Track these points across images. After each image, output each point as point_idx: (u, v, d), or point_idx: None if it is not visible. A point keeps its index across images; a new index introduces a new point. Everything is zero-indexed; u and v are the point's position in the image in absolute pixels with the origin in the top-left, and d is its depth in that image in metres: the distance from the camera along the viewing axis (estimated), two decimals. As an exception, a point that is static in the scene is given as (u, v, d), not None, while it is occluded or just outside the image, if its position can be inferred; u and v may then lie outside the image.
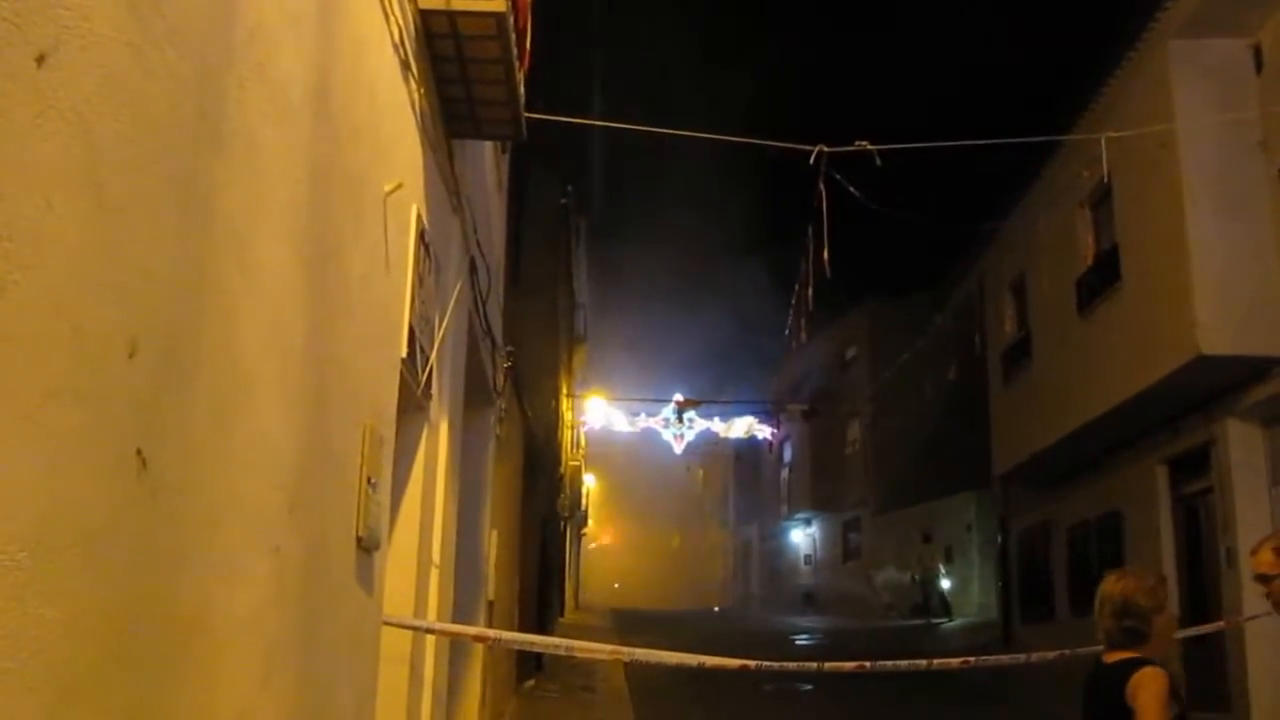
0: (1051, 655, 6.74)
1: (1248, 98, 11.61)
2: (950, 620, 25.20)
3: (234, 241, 2.87)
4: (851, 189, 8.43)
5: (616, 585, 52.50)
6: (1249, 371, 11.53)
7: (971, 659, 6.19)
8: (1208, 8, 11.48)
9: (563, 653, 5.72)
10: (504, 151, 9.45)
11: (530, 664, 13.81)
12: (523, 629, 12.28)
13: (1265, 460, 12.09)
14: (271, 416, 3.22)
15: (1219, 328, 11.33)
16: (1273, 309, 11.14)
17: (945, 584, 26.93)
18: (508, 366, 9.95)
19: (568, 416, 21.59)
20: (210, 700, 2.77)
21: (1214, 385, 11.98)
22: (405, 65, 4.97)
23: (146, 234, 2.30)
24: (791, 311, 11.77)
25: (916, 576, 28.78)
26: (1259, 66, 11.62)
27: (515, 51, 5.64)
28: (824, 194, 8.48)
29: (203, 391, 2.66)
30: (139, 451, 2.25)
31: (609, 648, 5.39)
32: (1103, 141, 9.74)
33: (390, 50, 4.72)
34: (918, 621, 26.69)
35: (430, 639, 6.02)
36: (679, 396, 32.72)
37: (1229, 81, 11.73)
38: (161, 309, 2.39)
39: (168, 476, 2.41)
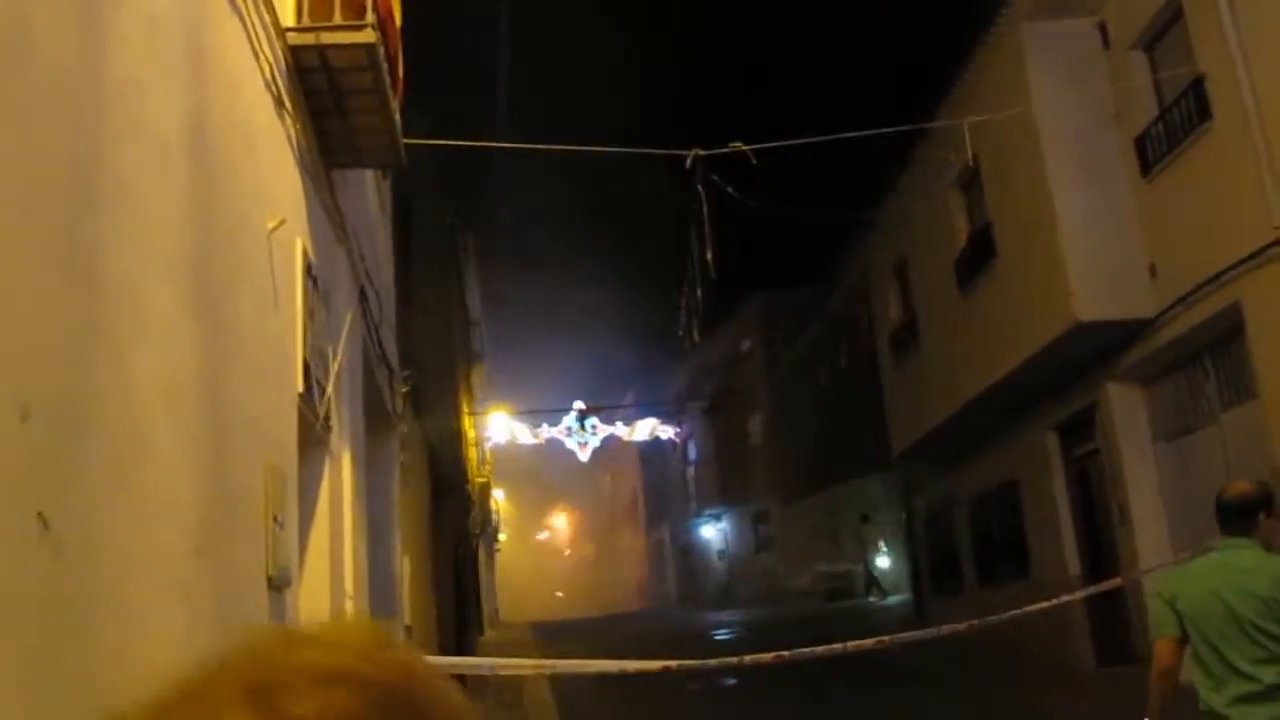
0: (962, 627, 6.97)
1: (1098, 73, 12.09)
2: (884, 599, 25.56)
3: (122, 294, 2.88)
4: (730, 189, 8.60)
5: (560, 594, 52.35)
6: (1123, 335, 11.99)
7: (885, 638, 6.37)
8: (1054, -10, 11.95)
9: (487, 672, 5.76)
10: (385, 176, 9.42)
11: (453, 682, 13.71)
12: (442, 651, 12.22)
13: (1146, 418, 12.58)
14: (172, 464, 3.22)
15: (1092, 295, 11.76)
16: (1138, 273, 11.60)
17: (884, 563, 27.15)
18: (406, 391, 9.92)
19: (471, 434, 21.49)
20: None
21: (1092, 350, 12.42)
22: (279, 101, 4.97)
23: (30, 295, 2.31)
24: (682, 312, 11.93)
25: (853, 563, 28.85)
26: (1106, 42, 12.11)
27: (389, 80, 5.67)
28: (704, 196, 8.64)
29: (101, 447, 2.67)
30: (40, 514, 2.25)
31: (532, 663, 5.45)
32: (965, 127, 10.07)
33: (262, 87, 4.72)
34: (847, 603, 27.08)
35: (350, 671, 5.99)
36: (580, 405, 32.80)
37: (1080, 59, 12.19)
38: (53, 369, 2.40)
39: (71, 536, 2.41)
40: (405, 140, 6.42)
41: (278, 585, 4.44)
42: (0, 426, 2.11)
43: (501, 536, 39.67)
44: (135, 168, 3.03)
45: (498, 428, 28.86)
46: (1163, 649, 4.68)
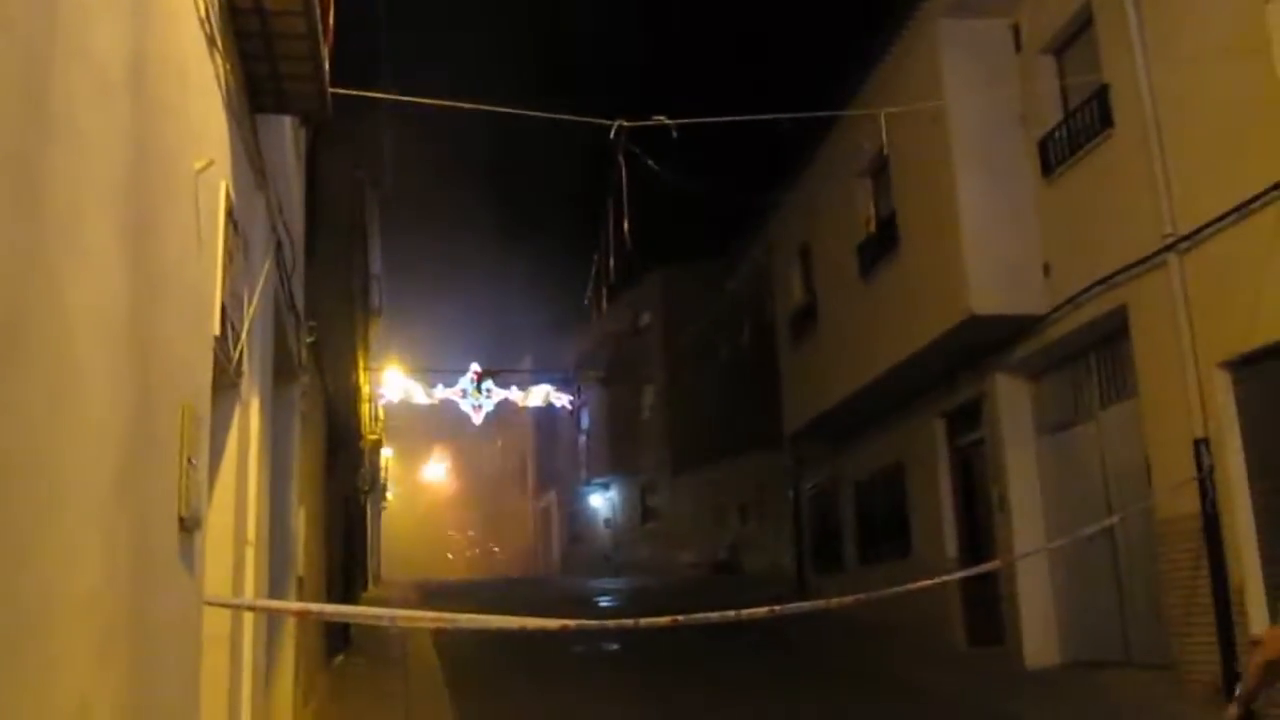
0: (849, 600, 7.22)
1: (1009, 74, 12.44)
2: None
3: (62, 225, 2.88)
4: (650, 162, 8.70)
5: (450, 555, 52.13)
6: (1014, 329, 12.42)
7: (777, 607, 6.57)
8: (972, -10, 12.23)
9: (385, 623, 5.81)
10: (302, 125, 9.31)
11: (338, 639, 13.69)
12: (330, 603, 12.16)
13: (1030, 411, 13.06)
14: (101, 397, 3.23)
15: (987, 289, 12.15)
16: (1033, 271, 12.02)
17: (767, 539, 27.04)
18: (310, 342, 9.84)
19: (365, 390, 21.31)
20: (51, 685, 2.78)
21: (984, 343, 12.84)
22: (211, 40, 4.92)
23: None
24: (591, 282, 12.02)
25: (738, 538, 28.99)
26: (1018, 45, 12.47)
27: (321, 26, 5.64)
28: (624, 167, 8.73)
29: (39, 376, 2.68)
30: (-16, 437, 2.27)
31: (432, 615, 5.52)
32: (881, 117, 10.30)
33: (197, 25, 4.67)
34: (729, 577, 27.47)
35: (249, 618, 6.00)
36: (476, 367, 32.70)
37: (992, 59, 12.53)
38: (-2, 294, 2.40)
39: (10, 462, 2.43)
40: (331, 89, 6.38)
41: (188, 527, 4.43)
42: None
43: (389, 495, 39.41)
44: (80, 98, 3.02)
45: (392, 385, 28.65)
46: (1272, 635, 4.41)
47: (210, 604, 5.03)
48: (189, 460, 4.41)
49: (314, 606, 7.12)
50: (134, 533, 3.64)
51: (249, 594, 6.06)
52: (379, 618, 5.60)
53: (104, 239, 3.26)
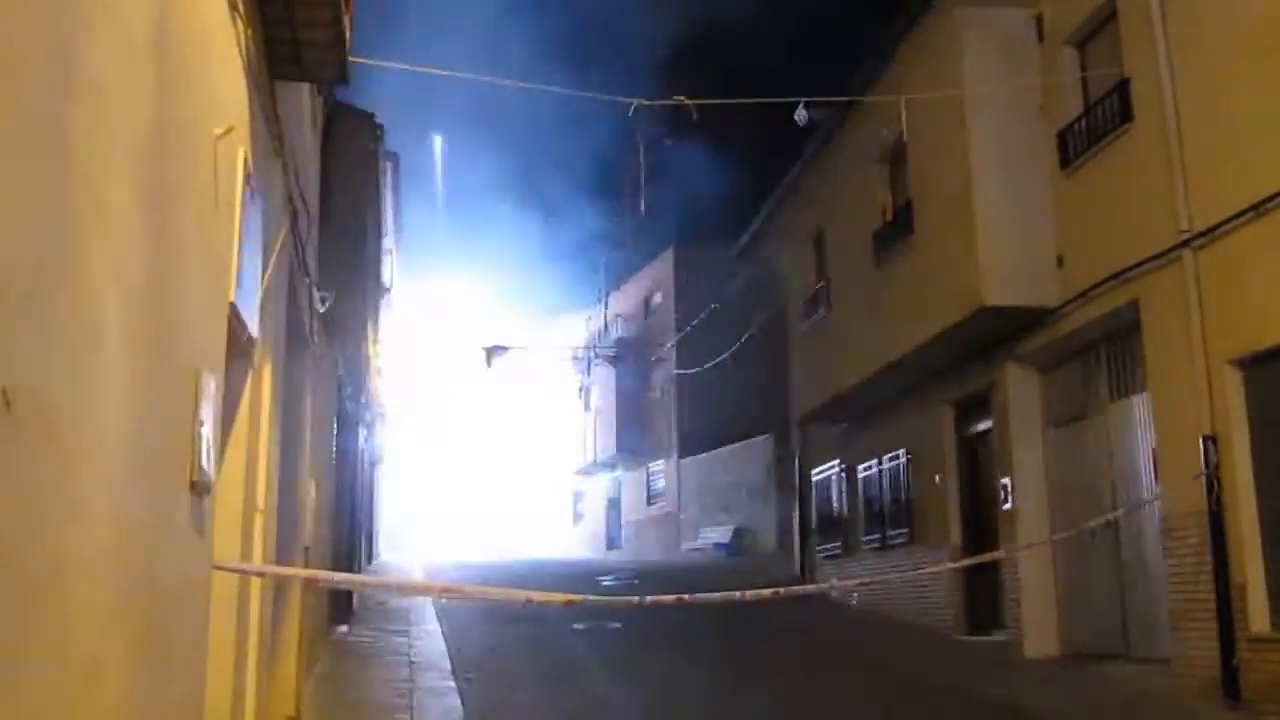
0: (852, 584, 7.24)
1: (1030, 64, 12.38)
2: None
3: (86, 185, 2.89)
4: (668, 141, 8.69)
5: (458, 529, 52.20)
6: (1026, 321, 12.39)
7: (781, 590, 6.60)
8: (996, -23, 12.17)
9: (393, 592, 5.85)
10: (319, 92, 9.33)
11: (342, 610, 13.76)
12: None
13: (1040, 402, 13.05)
14: (117, 358, 3.24)
15: (1001, 280, 12.12)
16: (1047, 263, 11.98)
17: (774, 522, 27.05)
18: (322, 312, 9.87)
19: (374, 363, 21.33)
20: (63, 642, 2.81)
21: (995, 333, 12.82)
22: (233, 6, 4.93)
23: (7, 178, 2.32)
24: (605, 261, 12.02)
25: (745, 520, 29.12)
26: (1041, 35, 12.40)
27: (343, -6, 5.64)
28: (641, 146, 8.72)
29: (59, 333, 2.69)
30: (3, 392, 2.28)
31: (439, 585, 5.55)
32: (902, 103, 10.26)
33: (220, -10, 4.68)
34: (734, 559, 27.57)
35: (256, 585, 6.05)
36: (486, 343, 32.76)
37: (1014, 48, 12.47)
38: (23, 251, 2.42)
39: (29, 418, 2.44)
40: (351, 58, 6.39)
41: (199, 491, 4.46)
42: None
43: (393, 468, 39.49)
44: (106, 57, 3.03)
45: (403, 359, 28.71)
46: None
47: (219, 569, 5.07)
48: (201, 425, 4.44)
49: (322, 573, 7.17)
50: (146, 495, 3.67)
51: (257, 561, 6.10)
52: (386, 586, 5.63)
53: (125, 201, 3.28)
